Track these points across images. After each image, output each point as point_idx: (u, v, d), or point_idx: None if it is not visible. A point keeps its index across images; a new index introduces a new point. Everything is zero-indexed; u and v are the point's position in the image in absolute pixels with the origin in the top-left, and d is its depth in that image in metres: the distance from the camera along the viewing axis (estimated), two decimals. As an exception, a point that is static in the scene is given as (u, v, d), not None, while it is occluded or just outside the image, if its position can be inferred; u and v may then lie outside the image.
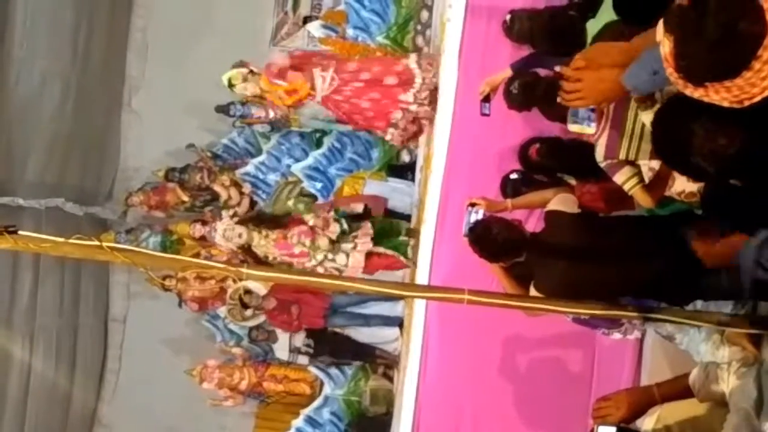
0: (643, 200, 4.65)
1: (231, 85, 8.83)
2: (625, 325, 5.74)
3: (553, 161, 5.73)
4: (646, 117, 4.37)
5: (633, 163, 4.66)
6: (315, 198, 10.66)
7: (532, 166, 5.93)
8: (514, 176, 6.14)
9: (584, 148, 4.89)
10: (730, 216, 2.76)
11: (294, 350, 10.56)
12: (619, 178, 4.68)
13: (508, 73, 5.81)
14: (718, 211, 2.81)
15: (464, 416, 7.33)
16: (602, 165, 4.75)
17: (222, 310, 10.82)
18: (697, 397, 3.40)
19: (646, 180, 4.71)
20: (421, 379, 7.55)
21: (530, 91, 5.31)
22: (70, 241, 3.28)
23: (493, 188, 6.17)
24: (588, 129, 3.82)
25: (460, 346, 7.24)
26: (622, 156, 4.60)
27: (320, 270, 8.60)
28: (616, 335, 6.06)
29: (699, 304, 4.35)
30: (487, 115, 5.95)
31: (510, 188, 6.09)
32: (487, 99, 5.92)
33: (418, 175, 9.12)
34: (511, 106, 5.55)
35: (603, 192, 5.35)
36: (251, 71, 8.81)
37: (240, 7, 11.86)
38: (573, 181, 5.81)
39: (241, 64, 9.40)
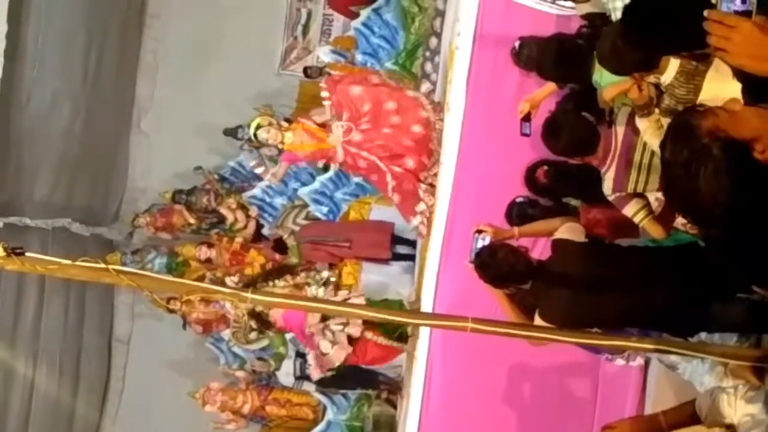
0: (655, 231, 4.66)
1: (258, 127, 8.85)
2: (628, 351, 5.73)
3: (560, 184, 5.73)
4: (642, 124, 4.39)
5: (641, 195, 4.67)
6: (320, 222, 10.67)
7: (538, 188, 5.93)
8: (520, 199, 6.14)
9: (591, 171, 4.91)
10: (732, 249, 2.75)
11: (299, 377, 10.53)
12: (628, 210, 4.69)
13: (550, 88, 5.73)
14: (720, 244, 2.81)
15: (467, 443, 7.31)
16: (611, 198, 4.76)
17: (226, 333, 10.82)
18: (704, 422, 3.39)
19: (655, 211, 4.72)
20: (424, 405, 7.52)
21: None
22: (77, 263, 3.30)
23: (500, 215, 6.17)
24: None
25: (464, 372, 7.21)
26: (630, 188, 4.62)
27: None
28: (619, 361, 6.06)
29: (703, 335, 4.35)
30: (528, 135, 5.72)
31: (516, 211, 6.09)
32: (527, 118, 5.72)
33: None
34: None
35: (608, 220, 5.35)
36: (279, 124, 8.84)
37: (250, 31, 11.95)
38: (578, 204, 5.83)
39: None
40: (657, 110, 4.26)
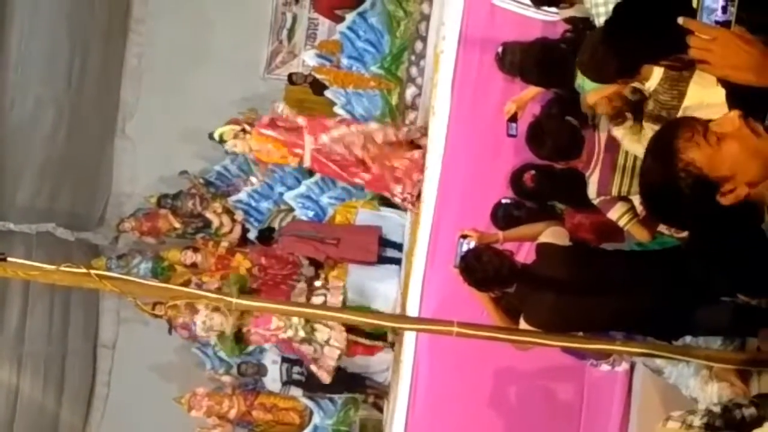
0: (640, 235, 4.67)
1: (221, 141, 8.86)
2: (613, 356, 5.74)
3: (546, 188, 5.74)
4: (617, 132, 4.41)
5: (626, 198, 4.69)
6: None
7: (524, 192, 5.93)
8: (505, 201, 6.15)
9: (576, 176, 4.92)
10: (713, 251, 2.77)
11: (286, 383, 10.51)
12: (613, 214, 4.70)
13: (537, 90, 5.73)
14: (703, 247, 2.83)
15: (453, 447, 7.31)
16: (595, 202, 4.77)
17: (212, 338, 10.77)
18: None
19: (640, 214, 4.73)
20: (410, 409, 7.52)
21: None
22: (60, 268, 3.28)
23: (485, 219, 6.18)
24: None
25: (450, 377, 7.22)
26: (614, 192, 4.63)
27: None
28: (605, 367, 6.07)
29: (688, 339, 4.36)
30: (515, 136, 5.71)
31: (501, 212, 6.10)
32: (513, 119, 5.71)
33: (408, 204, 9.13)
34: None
35: (593, 224, 5.37)
36: (243, 129, 8.85)
37: (235, 35, 11.92)
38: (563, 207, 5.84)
39: (234, 122, 9.41)
40: (630, 116, 4.27)
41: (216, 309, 9.26)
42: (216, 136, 9.02)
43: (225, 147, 8.91)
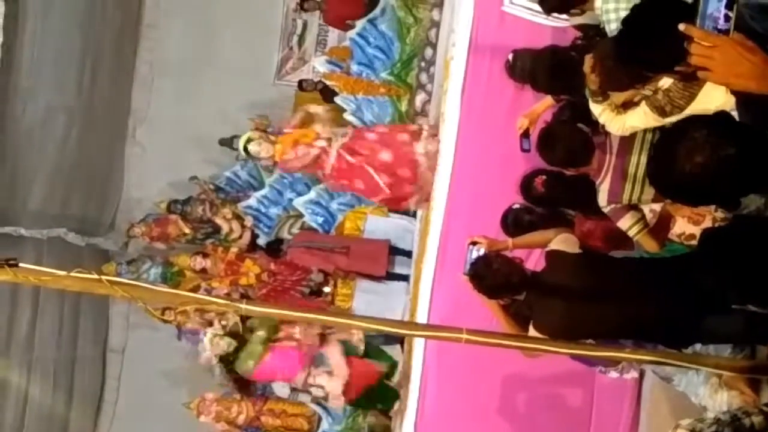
0: (649, 245, 4.66)
1: (248, 141, 8.82)
2: (623, 363, 5.73)
3: (557, 194, 5.73)
4: (595, 108, 4.42)
5: (636, 207, 4.68)
6: (316, 232, 10.67)
7: (534, 198, 5.92)
8: (516, 206, 6.14)
9: (588, 182, 4.91)
10: (725, 254, 2.77)
11: (294, 389, 10.50)
12: (623, 224, 4.70)
13: (547, 103, 5.74)
14: (714, 249, 2.83)
15: (462, 454, 7.30)
16: (606, 210, 4.76)
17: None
18: None
19: (650, 223, 4.72)
20: (419, 416, 7.51)
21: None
22: (71, 274, 3.29)
23: (495, 226, 6.17)
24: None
25: (459, 384, 7.21)
26: (625, 199, 4.62)
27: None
28: (613, 374, 6.05)
29: (698, 347, 4.35)
30: (528, 151, 5.74)
31: (512, 217, 6.09)
32: (526, 134, 5.74)
33: (419, 210, 9.13)
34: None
35: (603, 231, 5.35)
36: (268, 136, 8.84)
37: (245, 41, 11.96)
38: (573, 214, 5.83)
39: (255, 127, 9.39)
40: (610, 98, 4.27)
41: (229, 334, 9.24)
42: (241, 143, 8.95)
43: (249, 148, 8.83)
